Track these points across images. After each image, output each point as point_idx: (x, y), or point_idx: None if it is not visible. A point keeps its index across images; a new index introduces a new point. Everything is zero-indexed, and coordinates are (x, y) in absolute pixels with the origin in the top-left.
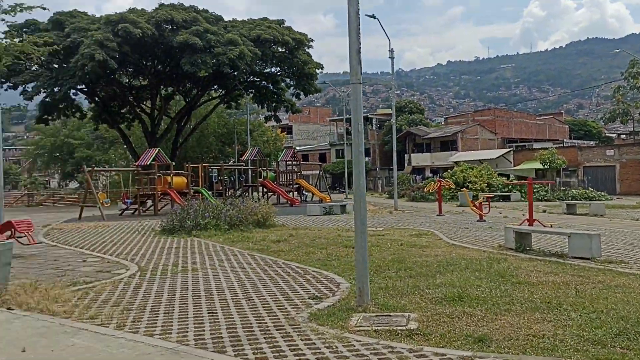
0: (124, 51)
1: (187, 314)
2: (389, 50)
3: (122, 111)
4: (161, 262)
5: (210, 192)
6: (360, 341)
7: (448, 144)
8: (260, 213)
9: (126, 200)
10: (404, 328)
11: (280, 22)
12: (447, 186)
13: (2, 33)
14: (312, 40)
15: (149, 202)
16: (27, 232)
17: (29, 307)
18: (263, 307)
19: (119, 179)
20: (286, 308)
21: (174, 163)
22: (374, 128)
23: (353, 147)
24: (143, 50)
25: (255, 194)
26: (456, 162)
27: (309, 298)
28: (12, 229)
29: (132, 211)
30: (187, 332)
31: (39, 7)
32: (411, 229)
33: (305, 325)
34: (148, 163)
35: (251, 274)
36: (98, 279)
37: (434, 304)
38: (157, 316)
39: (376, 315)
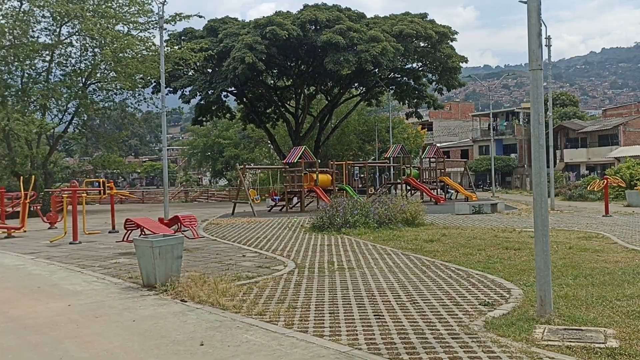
0: (271, 53)
1: (353, 315)
2: (546, 38)
3: (268, 111)
4: (316, 260)
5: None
6: (552, 358)
7: (607, 138)
8: (409, 211)
9: (274, 197)
10: (602, 346)
11: (423, 15)
12: (615, 184)
13: (164, 42)
14: (456, 33)
15: (295, 199)
16: (192, 227)
17: (200, 299)
18: (431, 311)
19: (264, 176)
20: (456, 314)
21: (319, 161)
22: (521, 123)
23: (532, 141)
24: (288, 51)
25: (396, 191)
26: (617, 158)
27: (479, 304)
28: (179, 223)
29: (280, 208)
30: (356, 334)
31: (195, 15)
32: (576, 230)
33: (484, 335)
34: (295, 161)
35: (410, 275)
36: (259, 274)
37: (631, 319)
38: (323, 316)
39: (564, 329)
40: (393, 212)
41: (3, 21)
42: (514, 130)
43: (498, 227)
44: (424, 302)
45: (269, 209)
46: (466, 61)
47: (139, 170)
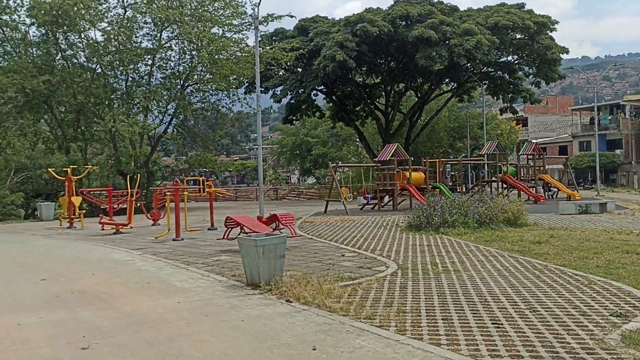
0: (361, 50)
1: (469, 322)
2: None
3: (357, 109)
4: (418, 260)
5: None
6: None
7: None
8: (510, 210)
9: (366, 195)
10: None
11: (520, 5)
12: None
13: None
14: (556, 22)
15: (386, 198)
16: (289, 225)
17: (305, 300)
18: (555, 320)
19: (354, 174)
20: (585, 325)
21: (411, 158)
22: (627, 116)
23: None
24: (378, 48)
25: (488, 189)
26: None
27: (610, 315)
28: (277, 222)
29: (372, 206)
30: (476, 344)
31: (286, 15)
32: None
33: (624, 351)
34: (387, 158)
35: (523, 280)
36: (361, 275)
37: None
38: (436, 322)
39: None
40: (494, 211)
41: (109, 28)
42: (619, 125)
43: (611, 228)
44: (545, 310)
45: (360, 207)
46: (567, 52)
47: (231, 169)
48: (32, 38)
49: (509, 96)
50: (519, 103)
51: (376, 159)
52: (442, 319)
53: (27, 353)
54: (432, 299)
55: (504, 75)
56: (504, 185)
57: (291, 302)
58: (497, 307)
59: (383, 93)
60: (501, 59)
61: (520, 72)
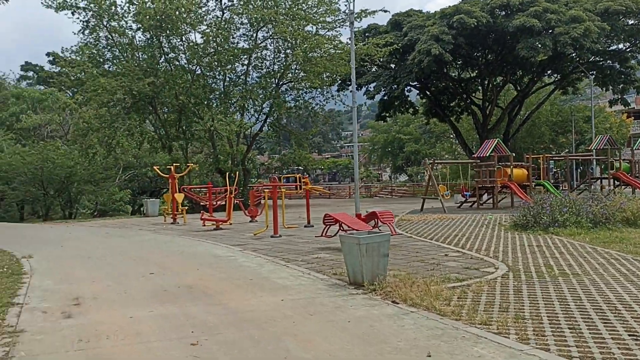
0: (457, 43)
1: (600, 333)
2: None
3: (452, 104)
4: (530, 262)
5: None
6: None
7: None
8: (630, 210)
9: (465, 193)
10: None
11: None
12: None
13: (349, 39)
14: None
15: (485, 195)
16: (389, 223)
17: (413, 302)
18: None
19: (448, 172)
20: None
21: (514, 154)
22: None
23: None
24: (475, 40)
25: (597, 186)
26: None
27: None
28: (376, 219)
29: (470, 204)
30: (614, 359)
31: (380, 10)
32: None
33: None
34: (487, 154)
35: None
36: (469, 277)
37: None
38: (562, 331)
39: None
40: (611, 210)
41: (208, 30)
42: None
43: None
44: None
45: (458, 205)
46: None
47: (322, 167)
48: (138, 43)
49: (619, 87)
50: (630, 94)
51: (475, 155)
52: (569, 329)
53: (140, 347)
54: (553, 305)
55: (614, 64)
56: (617, 183)
57: (397, 303)
58: (632, 317)
59: (479, 87)
60: (611, 47)
61: (632, 61)
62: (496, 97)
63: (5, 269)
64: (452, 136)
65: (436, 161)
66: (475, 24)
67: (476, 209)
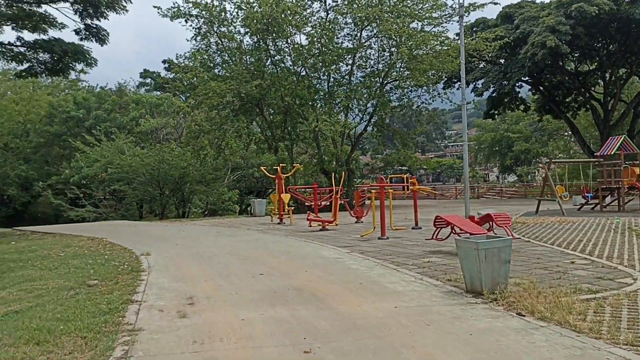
0: (576, 33)
1: None
2: None
3: (567, 100)
4: None
5: None
6: None
7: None
8: None
9: (586, 194)
10: None
11: None
12: None
13: (456, 35)
14: None
15: (608, 197)
16: (505, 226)
17: (542, 315)
18: None
19: (562, 172)
20: None
21: None
22: None
23: None
24: (595, 30)
25: None
26: None
27: None
28: (491, 222)
29: (592, 206)
30: None
31: (490, 3)
32: None
33: None
34: (612, 152)
35: None
36: (604, 288)
37: None
38: None
39: None
40: None
41: (312, 32)
42: None
43: None
44: None
45: (578, 207)
46: None
47: (426, 167)
48: (245, 47)
49: None
50: None
51: (598, 154)
52: None
53: (253, 352)
54: None
55: None
56: None
57: (523, 315)
58: None
59: (600, 80)
60: None
61: None
62: (619, 91)
63: (125, 266)
64: (566, 134)
65: (553, 160)
66: (597, 12)
67: (599, 211)
